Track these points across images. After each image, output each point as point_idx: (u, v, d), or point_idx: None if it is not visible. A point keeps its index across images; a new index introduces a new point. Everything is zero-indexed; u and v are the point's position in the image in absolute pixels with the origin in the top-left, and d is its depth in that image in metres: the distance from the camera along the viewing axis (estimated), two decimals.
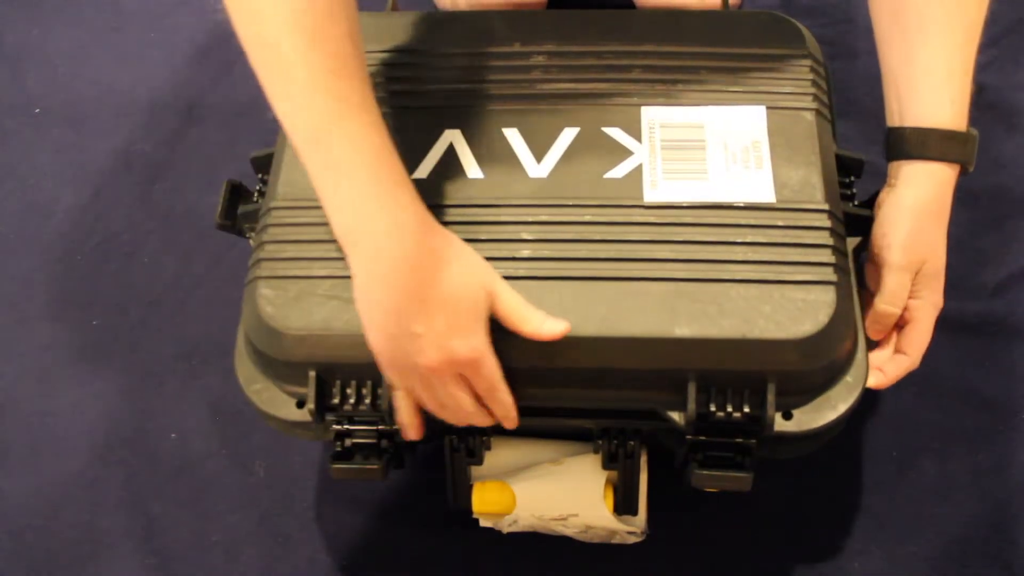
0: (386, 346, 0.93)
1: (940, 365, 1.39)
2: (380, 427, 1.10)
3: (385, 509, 1.34)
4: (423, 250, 0.91)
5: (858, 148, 1.49)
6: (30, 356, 1.47)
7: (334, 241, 0.97)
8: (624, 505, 1.16)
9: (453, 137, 1.11)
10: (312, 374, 1.02)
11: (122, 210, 1.58)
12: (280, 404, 1.07)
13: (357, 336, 0.97)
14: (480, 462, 1.16)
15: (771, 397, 0.98)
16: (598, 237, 1.03)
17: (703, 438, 1.08)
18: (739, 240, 1.02)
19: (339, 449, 1.11)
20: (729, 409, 1.00)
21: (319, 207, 0.96)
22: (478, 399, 0.98)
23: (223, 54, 1.71)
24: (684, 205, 1.05)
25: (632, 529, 1.18)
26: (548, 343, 0.96)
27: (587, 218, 1.04)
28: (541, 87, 1.15)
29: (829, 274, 0.99)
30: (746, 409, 0.99)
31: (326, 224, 0.96)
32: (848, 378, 1.03)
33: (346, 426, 1.10)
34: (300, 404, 1.05)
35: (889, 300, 1.09)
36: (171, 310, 1.50)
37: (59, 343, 1.48)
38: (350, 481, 1.32)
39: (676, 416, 1.02)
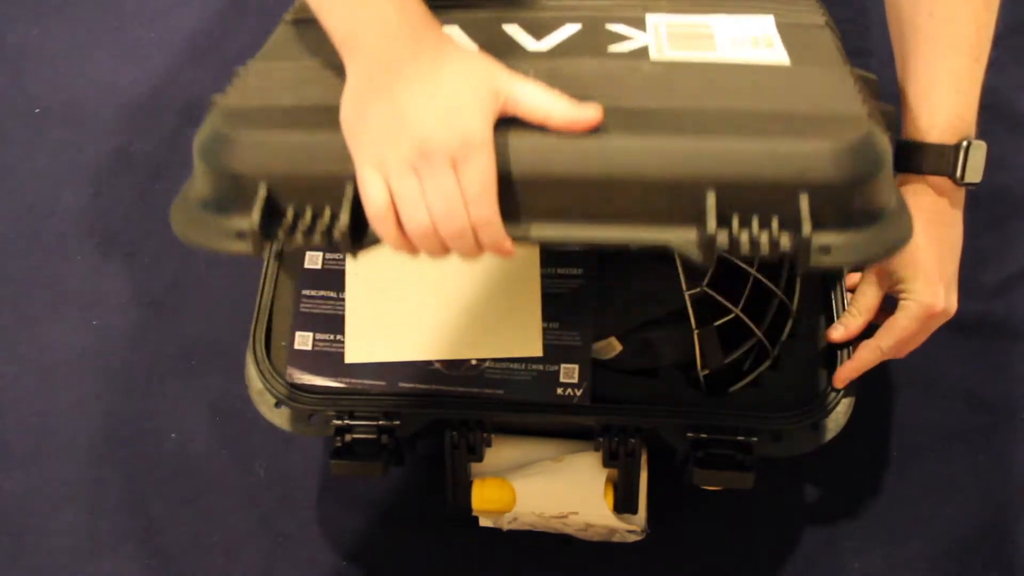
0: (372, 133, 0.85)
1: (940, 365, 1.39)
2: (380, 423, 1.10)
3: (385, 509, 1.34)
4: (428, 41, 0.87)
5: None
6: (30, 356, 1.47)
7: (311, 83, 0.93)
8: (624, 503, 1.16)
9: (450, 31, 1.03)
10: (263, 184, 0.88)
11: (122, 210, 1.58)
12: (223, 236, 0.91)
13: (318, 146, 0.88)
14: (480, 458, 1.16)
15: (805, 208, 0.84)
16: (603, 79, 0.94)
17: (704, 436, 1.08)
18: (760, 80, 0.94)
19: (339, 445, 1.11)
20: (755, 231, 0.85)
21: (296, 64, 0.96)
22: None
23: (223, 54, 1.71)
24: (695, 62, 0.96)
25: (632, 528, 1.18)
26: (554, 149, 0.86)
27: (591, 67, 0.96)
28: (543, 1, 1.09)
29: (859, 104, 0.89)
30: (775, 230, 0.85)
31: (302, 74, 0.95)
32: (887, 223, 0.89)
33: (346, 421, 1.10)
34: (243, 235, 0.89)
35: (853, 304, 1.14)
36: (171, 310, 1.50)
37: (59, 343, 1.48)
38: (350, 478, 1.33)
39: (691, 245, 0.87)
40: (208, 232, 0.91)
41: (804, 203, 0.83)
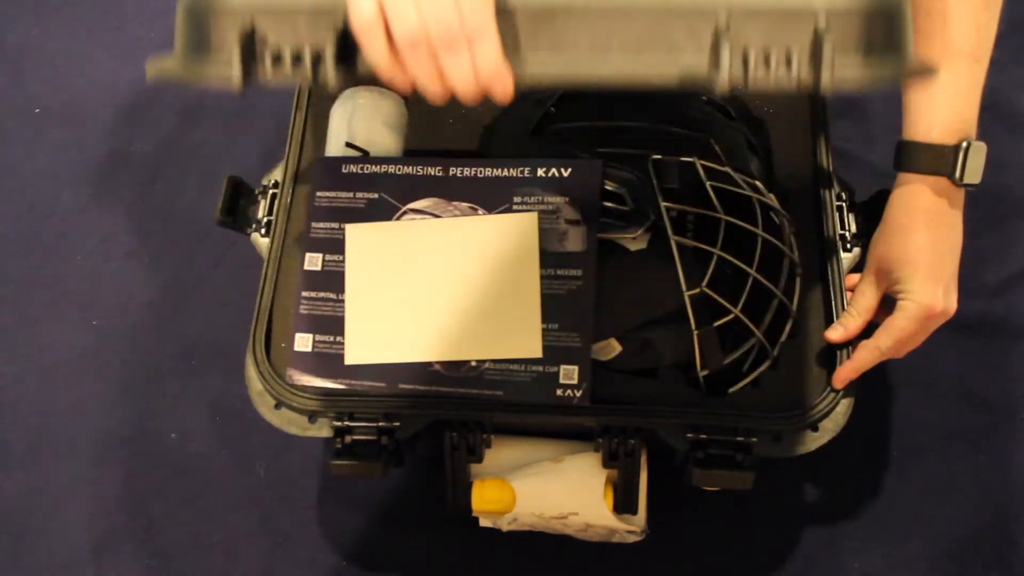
0: None
1: (940, 365, 1.39)
2: (380, 424, 1.10)
3: (385, 509, 1.34)
4: None
5: (857, 148, 1.50)
6: (30, 356, 1.47)
7: None
8: (624, 504, 1.16)
9: None
10: (247, 17, 0.85)
11: (122, 210, 1.58)
12: (203, 72, 0.86)
13: None
14: (480, 459, 1.16)
15: (823, 23, 0.81)
16: None
17: (704, 436, 1.08)
18: None
19: (339, 446, 1.12)
20: (772, 56, 0.82)
21: None
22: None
23: None
24: None
25: (632, 528, 1.18)
26: None
27: None
28: None
29: None
30: (792, 54, 0.82)
31: None
32: (908, 54, 0.84)
33: (346, 422, 1.11)
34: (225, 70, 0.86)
35: (852, 305, 1.14)
36: (171, 310, 1.50)
37: (59, 343, 1.48)
38: (350, 479, 1.33)
39: (702, 73, 0.83)
40: (188, 69, 0.87)
41: (822, 19, 0.81)
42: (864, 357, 1.12)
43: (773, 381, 1.14)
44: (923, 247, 1.07)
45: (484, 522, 1.21)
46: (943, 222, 1.07)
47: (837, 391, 1.12)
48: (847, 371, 1.12)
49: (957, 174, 1.05)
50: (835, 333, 1.14)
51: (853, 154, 1.49)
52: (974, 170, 1.05)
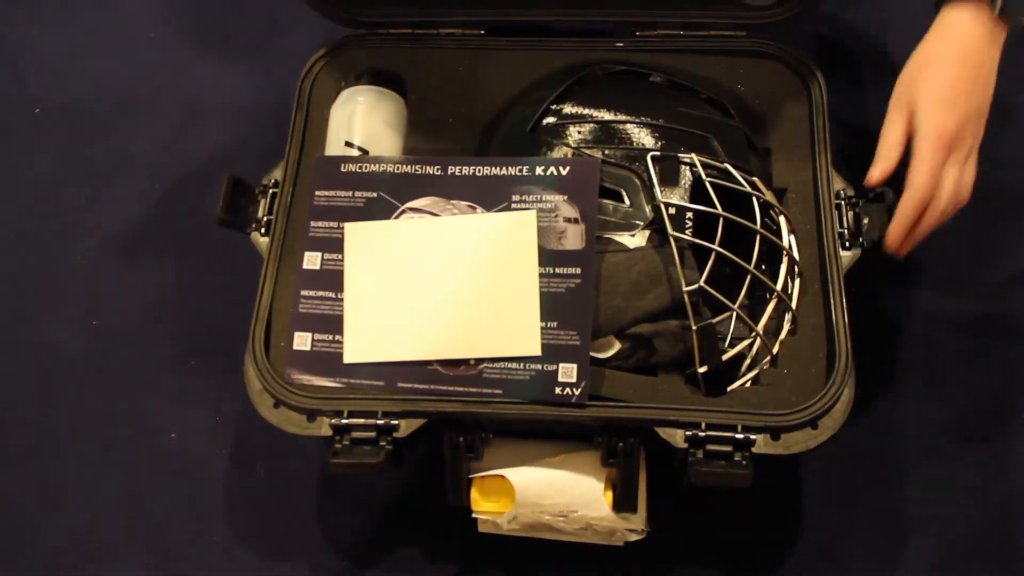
0: None
1: (940, 365, 1.39)
2: (379, 422, 1.11)
3: (385, 509, 1.34)
4: None
5: (857, 147, 1.50)
6: (30, 356, 1.47)
7: None
8: (623, 502, 1.15)
9: None
10: None
11: (122, 210, 1.58)
12: None
13: None
14: (479, 458, 1.16)
15: None
16: None
17: (702, 434, 1.08)
18: None
19: (337, 445, 1.12)
20: None
21: None
22: None
23: (223, 54, 1.71)
24: None
25: (632, 527, 1.18)
26: None
27: None
28: None
29: None
30: None
31: None
32: None
33: (344, 421, 1.11)
34: None
35: (882, 143, 1.16)
36: (171, 310, 1.50)
37: (59, 343, 1.48)
38: (350, 479, 1.33)
39: None
40: None
41: None
42: (902, 210, 1.13)
43: (772, 379, 1.14)
44: (946, 78, 1.09)
45: (484, 527, 1.21)
46: (973, 60, 1.09)
47: (838, 387, 1.11)
48: (896, 227, 1.14)
49: (997, 4, 1.06)
50: (875, 172, 1.15)
51: (853, 154, 1.49)
52: (1018, 4, 1.06)
